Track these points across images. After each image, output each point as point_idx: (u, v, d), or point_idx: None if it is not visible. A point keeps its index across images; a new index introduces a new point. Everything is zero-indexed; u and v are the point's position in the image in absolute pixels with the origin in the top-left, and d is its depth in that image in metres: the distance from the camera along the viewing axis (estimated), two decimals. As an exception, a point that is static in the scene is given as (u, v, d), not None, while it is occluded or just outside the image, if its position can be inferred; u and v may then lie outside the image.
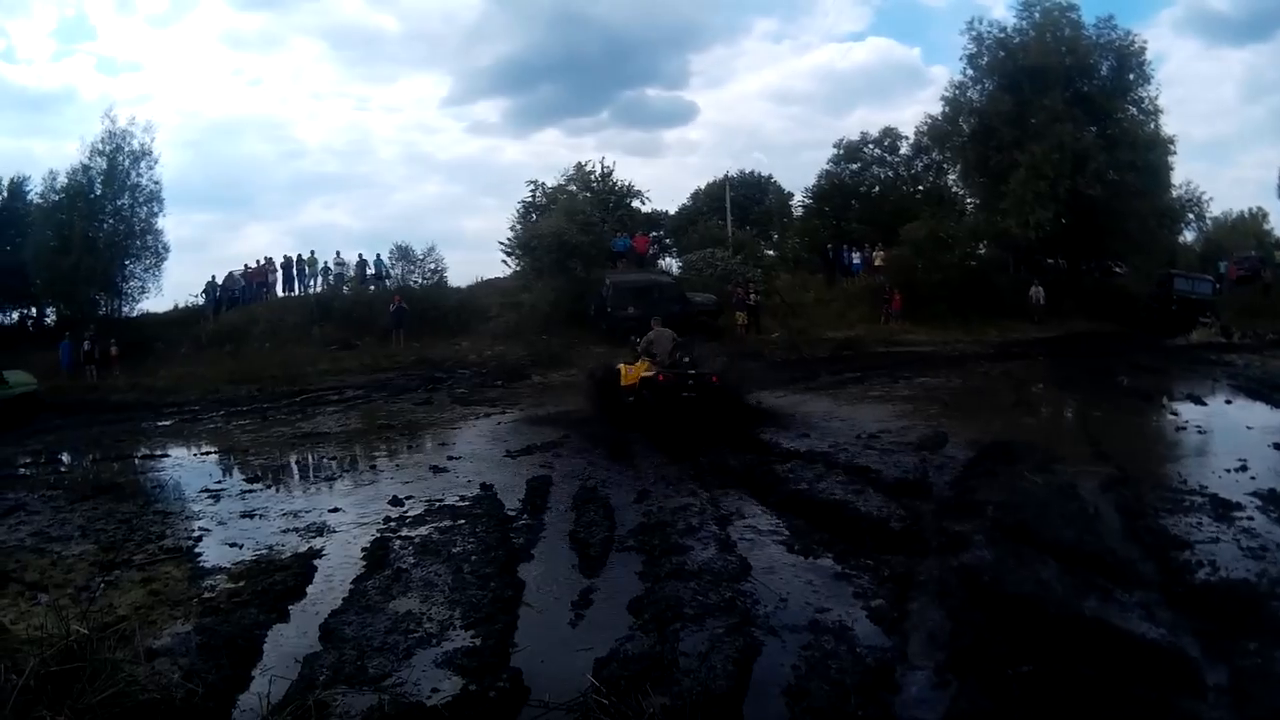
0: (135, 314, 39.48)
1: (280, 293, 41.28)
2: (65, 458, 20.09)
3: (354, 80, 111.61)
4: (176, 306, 41.09)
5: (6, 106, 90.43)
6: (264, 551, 10.46)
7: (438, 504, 12.32)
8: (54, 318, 39.22)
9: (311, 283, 41.57)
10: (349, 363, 32.17)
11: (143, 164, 38.59)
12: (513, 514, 11.66)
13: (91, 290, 37.16)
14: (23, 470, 18.28)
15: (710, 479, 13.02)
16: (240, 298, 40.22)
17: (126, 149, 38.24)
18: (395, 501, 12.58)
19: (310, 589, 9.10)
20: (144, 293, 39.48)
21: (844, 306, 38.68)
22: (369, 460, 16.47)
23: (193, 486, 14.76)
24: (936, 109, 43.75)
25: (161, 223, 39.50)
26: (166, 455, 18.73)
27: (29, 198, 41.01)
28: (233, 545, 10.83)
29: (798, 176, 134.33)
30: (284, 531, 11.38)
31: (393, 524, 11.41)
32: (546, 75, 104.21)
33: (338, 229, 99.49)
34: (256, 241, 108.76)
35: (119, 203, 38.22)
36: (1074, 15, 39.89)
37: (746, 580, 8.39)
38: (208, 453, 18.69)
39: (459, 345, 34.63)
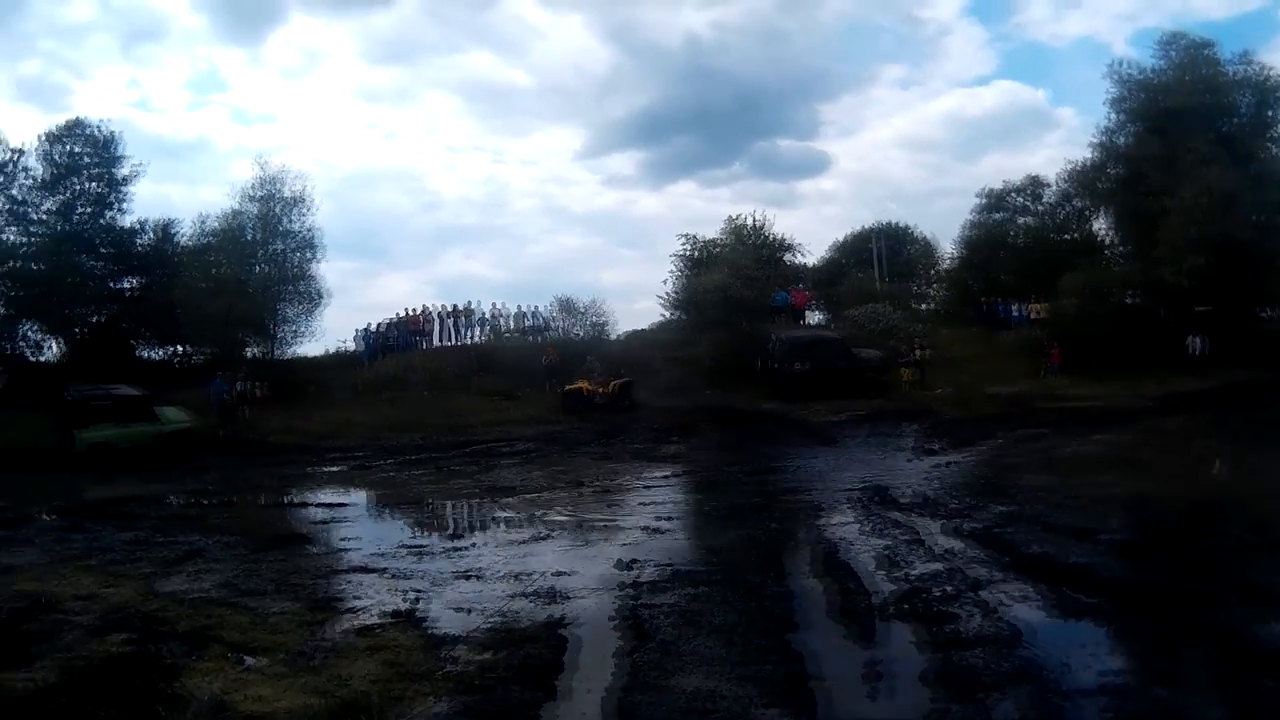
0: (288, 357, 39.69)
1: (436, 342, 41.49)
2: (234, 500, 19.58)
3: (489, 133, 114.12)
4: (327, 351, 41.78)
5: (142, 153, 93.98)
6: (499, 618, 9.59)
7: (670, 569, 11.54)
8: (203, 358, 39.47)
9: (469, 333, 41.88)
10: (512, 414, 31.84)
11: (295, 211, 39.06)
12: (756, 581, 10.89)
13: (242, 332, 37.42)
14: (191, 512, 17.94)
15: (943, 540, 12.72)
16: (395, 345, 40.39)
17: (278, 195, 38.73)
18: (622, 565, 11.79)
19: (568, 661, 8.33)
20: (298, 336, 39.76)
21: (1002, 361, 37.42)
22: (573, 518, 15.62)
23: (388, 540, 14.07)
24: (1067, 152, 43.53)
25: (318, 268, 39.84)
26: (345, 504, 18.21)
27: (176, 240, 41.88)
28: (460, 610, 9.99)
29: (934, 225, 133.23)
30: (512, 596, 10.52)
31: (630, 590, 10.60)
32: (679, 127, 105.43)
33: (477, 279, 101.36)
34: (396, 291, 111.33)
35: (272, 247, 38.64)
36: (1210, 53, 38.93)
37: (1023, 646, 8.23)
38: (392, 504, 18.34)
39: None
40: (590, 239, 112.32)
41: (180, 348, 41.78)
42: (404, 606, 10.12)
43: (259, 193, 38.41)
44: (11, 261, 38.23)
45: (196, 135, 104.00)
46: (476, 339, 41.79)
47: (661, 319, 45.99)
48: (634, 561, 11.93)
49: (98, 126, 40.44)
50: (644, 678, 7.74)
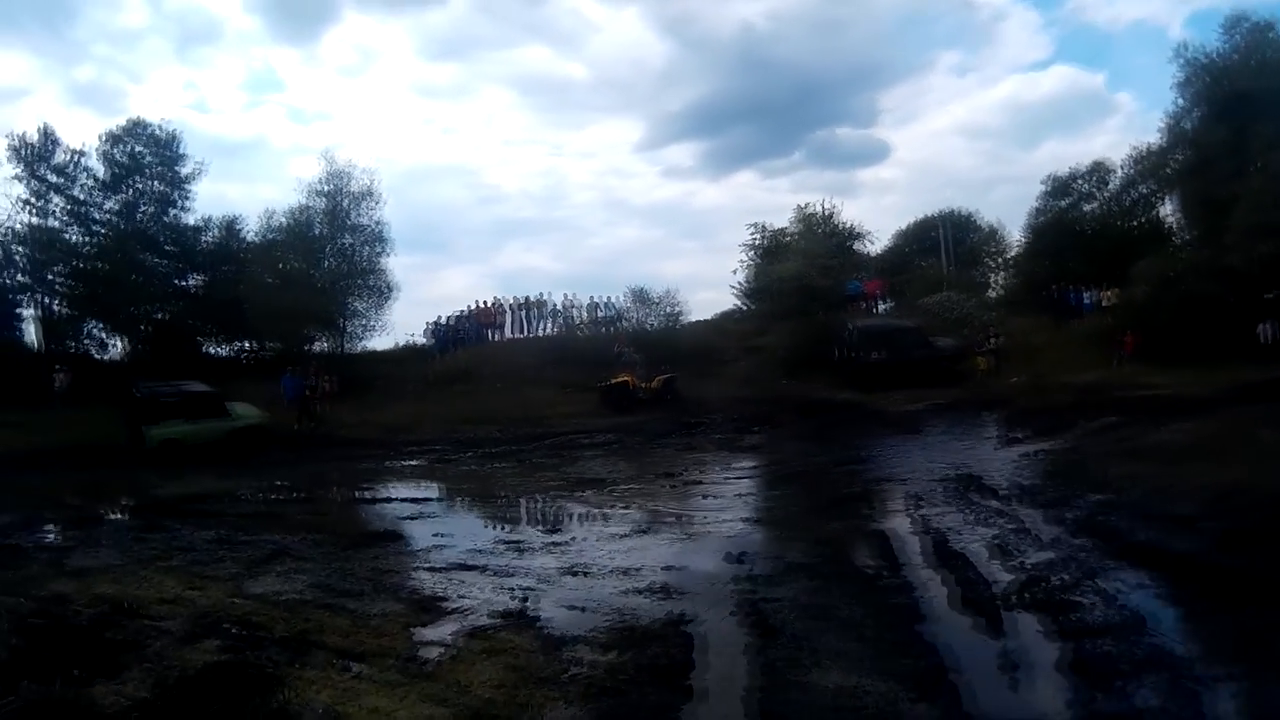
0: (356, 351, 39.88)
1: (508, 334, 41.79)
2: (313, 495, 19.31)
3: (546, 127, 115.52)
4: (397, 345, 41.99)
5: (200, 153, 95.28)
6: (616, 616, 9.30)
7: (782, 561, 11.39)
8: (270, 353, 39.74)
9: (540, 325, 42.14)
10: (588, 405, 31.52)
11: (363, 204, 39.29)
12: (870, 572, 10.86)
13: (310, 327, 37.55)
14: (272, 508, 17.79)
15: (1048, 529, 12.65)
16: (466, 338, 40.64)
17: (345, 189, 38.95)
18: (732, 558, 11.54)
19: (699, 660, 8.07)
20: (367, 330, 40.04)
21: (1073, 349, 36.67)
22: (670, 511, 15.31)
23: (482, 536, 13.86)
24: (1126, 137, 42.16)
25: (386, 262, 39.98)
26: (430, 499, 17.96)
27: (242, 236, 42.36)
28: (573, 608, 9.68)
29: (993, 213, 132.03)
30: (625, 592, 10.24)
31: (746, 584, 10.36)
32: (737, 118, 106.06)
33: (537, 272, 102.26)
34: (457, 284, 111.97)
35: (340, 241, 38.81)
36: (1275, 35, 37.29)
37: (1149, 634, 8.30)
38: (480, 498, 18.14)
39: (696, 388, 33.47)
40: (650, 231, 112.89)
41: (247, 343, 42.09)
42: (514, 606, 9.81)
43: (326, 187, 38.69)
44: (75, 261, 38.63)
45: (254, 134, 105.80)
46: (548, 331, 41.98)
47: (727, 309, 46.92)
48: (743, 554, 11.70)
49: (158, 126, 40.90)
50: (781, 675, 7.58)
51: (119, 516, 17.51)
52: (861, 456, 20.74)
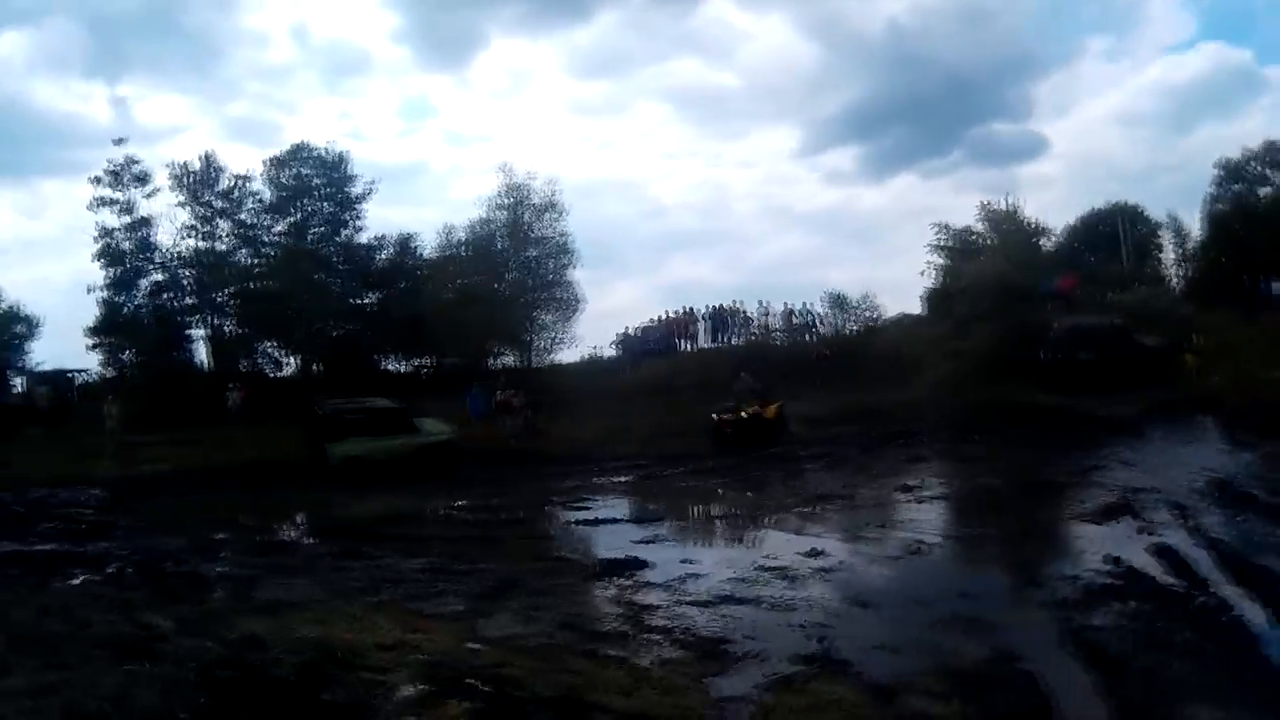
0: (544, 364, 40.33)
1: (700, 343, 41.54)
2: (524, 516, 18.56)
3: (703, 138, 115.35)
4: (583, 358, 42.09)
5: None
6: (934, 656, 8.60)
7: (1081, 583, 10.83)
8: (451, 368, 39.95)
9: (733, 334, 41.87)
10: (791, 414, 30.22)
11: (546, 217, 39.88)
12: (1179, 591, 10.37)
13: (493, 342, 38.08)
14: (482, 531, 16.71)
15: None
16: (656, 349, 40.46)
17: (527, 202, 39.50)
18: (1029, 581, 11.23)
19: (1057, 705, 7.52)
20: (556, 344, 40.75)
21: (1270, 343, 33.83)
22: (926, 528, 14.51)
23: (737, 562, 12.86)
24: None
25: (573, 274, 40.62)
26: (656, 519, 16.94)
27: (418, 253, 43.31)
28: (880, 648, 8.92)
29: (1154, 203, 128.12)
30: (929, 626, 9.53)
31: (1057, 610, 9.90)
32: (893, 119, 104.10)
33: (704, 284, 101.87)
34: (624, 297, 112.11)
35: (524, 255, 39.25)
36: None
37: None
38: (710, 516, 17.68)
39: (895, 395, 32.37)
40: (813, 238, 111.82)
41: (426, 359, 42.53)
42: (814, 648, 8.96)
43: (506, 200, 39.44)
44: (244, 281, 39.57)
45: (414, 159, 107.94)
46: (741, 339, 41.59)
47: (894, 315, 45.65)
48: (1038, 577, 11.28)
49: (324, 149, 42.17)
50: (1154, 715, 7.40)
51: (309, 540, 16.75)
52: (1097, 464, 19.85)
